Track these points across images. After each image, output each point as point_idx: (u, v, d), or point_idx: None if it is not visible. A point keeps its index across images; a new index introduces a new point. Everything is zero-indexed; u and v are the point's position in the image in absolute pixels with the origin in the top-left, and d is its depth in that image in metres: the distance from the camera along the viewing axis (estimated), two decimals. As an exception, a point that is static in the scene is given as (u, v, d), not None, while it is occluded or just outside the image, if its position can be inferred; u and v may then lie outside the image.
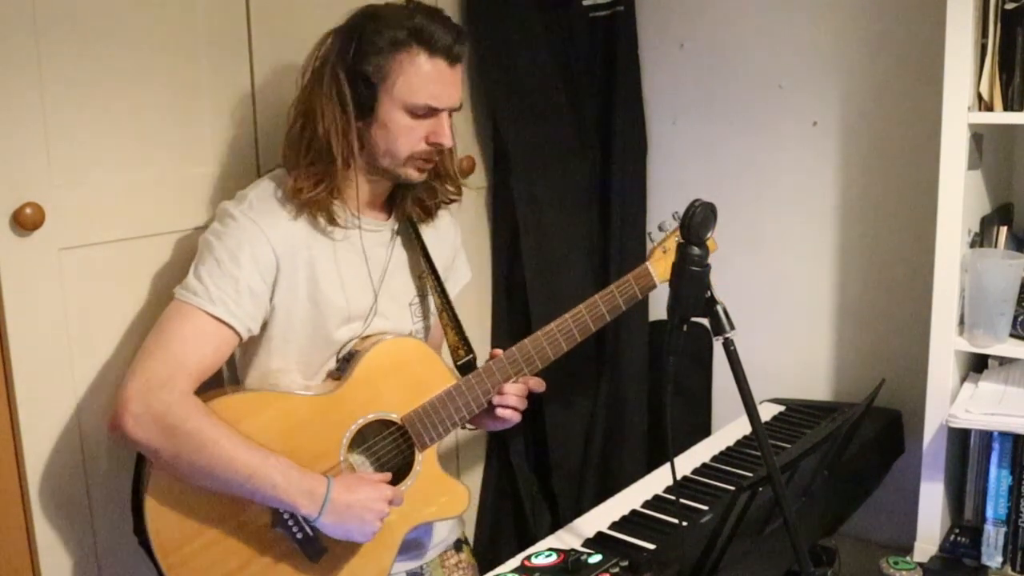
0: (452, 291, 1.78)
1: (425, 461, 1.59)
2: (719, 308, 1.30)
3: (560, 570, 1.38)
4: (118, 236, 1.58)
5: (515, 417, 1.65)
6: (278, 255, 1.50)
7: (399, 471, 1.59)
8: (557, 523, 2.27)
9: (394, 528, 1.57)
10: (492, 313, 2.36)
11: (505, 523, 2.41)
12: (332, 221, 1.54)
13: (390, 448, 1.60)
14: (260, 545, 1.50)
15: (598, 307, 1.68)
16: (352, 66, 1.49)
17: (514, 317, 2.33)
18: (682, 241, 1.29)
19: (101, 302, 1.57)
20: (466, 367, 1.68)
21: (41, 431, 1.51)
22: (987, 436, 1.73)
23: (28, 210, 1.44)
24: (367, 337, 1.61)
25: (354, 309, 1.59)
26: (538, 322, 2.18)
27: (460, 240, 1.82)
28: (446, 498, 1.63)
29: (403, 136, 1.52)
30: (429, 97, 1.49)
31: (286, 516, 1.48)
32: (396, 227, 1.66)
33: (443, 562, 1.78)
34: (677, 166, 2.39)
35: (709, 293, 1.30)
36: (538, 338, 1.65)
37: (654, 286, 1.74)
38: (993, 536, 1.73)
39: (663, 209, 2.41)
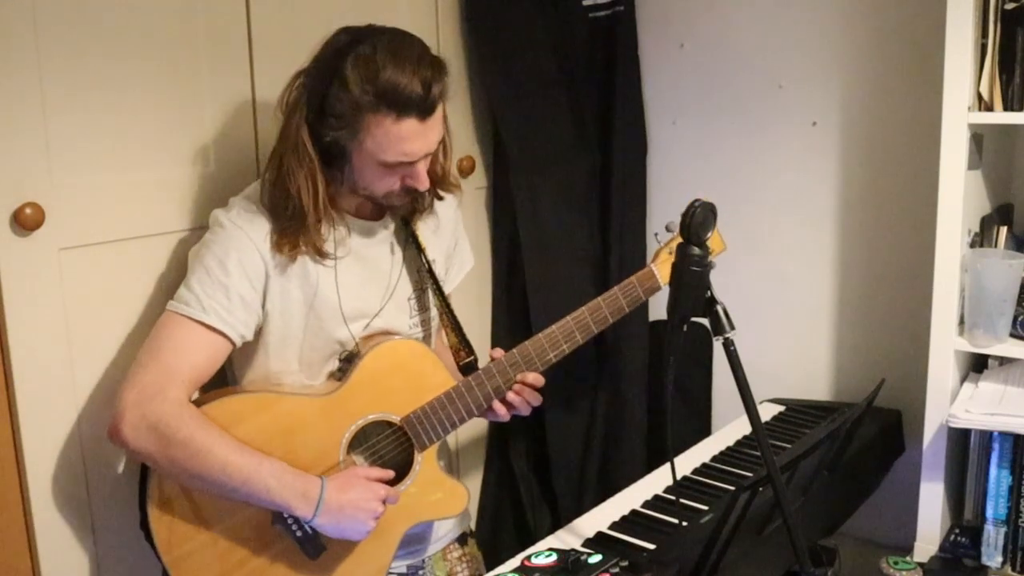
0: (456, 278, 1.80)
1: (424, 461, 1.60)
2: (719, 308, 1.30)
3: (560, 570, 1.38)
4: (118, 236, 1.58)
5: (526, 408, 1.66)
6: (266, 260, 1.50)
7: (399, 471, 1.60)
8: (557, 523, 2.27)
9: (393, 527, 1.58)
10: (492, 313, 2.36)
11: (505, 523, 2.42)
12: (321, 254, 1.53)
13: (390, 448, 1.60)
14: (260, 542, 1.51)
15: (600, 309, 1.68)
16: (317, 127, 1.46)
17: (514, 317, 2.33)
18: (682, 241, 1.29)
19: (101, 302, 1.57)
20: (467, 368, 1.68)
21: (41, 431, 1.51)
22: (987, 436, 1.73)
23: (28, 210, 1.44)
24: (369, 337, 1.62)
25: (353, 309, 1.59)
26: (538, 322, 2.19)
27: (462, 226, 1.81)
28: (445, 498, 1.64)
29: (378, 181, 1.51)
30: (400, 155, 1.46)
31: (285, 515, 1.49)
32: (392, 226, 1.65)
33: (445, 555, 1.79)
34: (677, 166, 2.39)
35: (709, 293, 1.30)
36: (539, 340, 1.65)
37: (659, 288, 1.73)
38: (993, 536, 1.73)
39: (663, 209, 2.41)
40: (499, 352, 1.65)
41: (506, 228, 2.30)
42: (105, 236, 1.57)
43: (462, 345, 1.69)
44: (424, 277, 1.69)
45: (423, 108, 1.44)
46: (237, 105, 1.73)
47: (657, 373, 2.38)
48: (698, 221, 1.26)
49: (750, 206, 2.28)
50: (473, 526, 2.38)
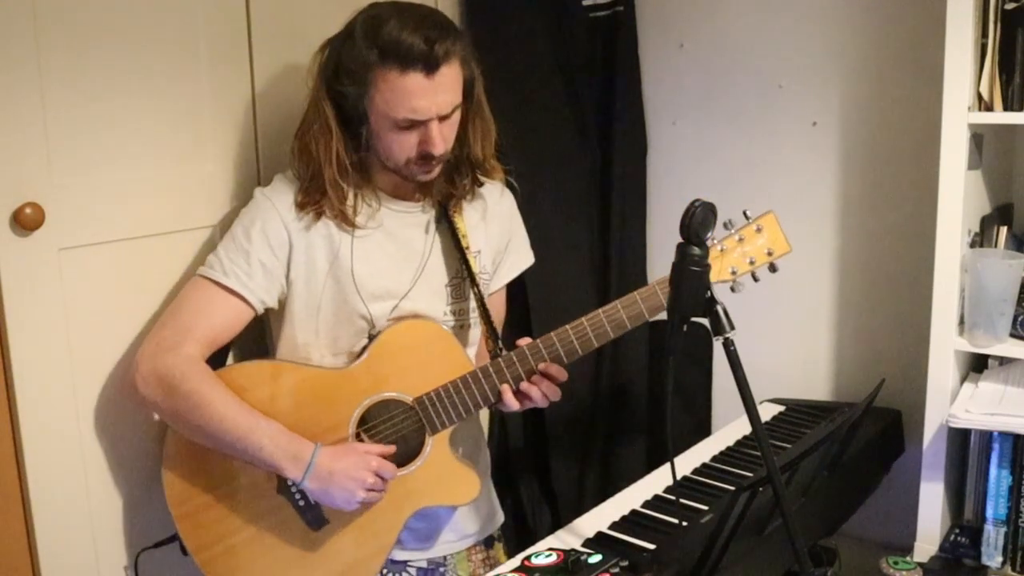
0: (508, 275, 1.80)
1: (436, 445, 1.59)
2: (719, 308, 1.30)
3: (560, 570, 1.38)
4: (118, 236, 1.58)
5: (543, 400, 1.59)
6: (291, 231, 1.55)
7: (412, 452, 1.59)
8: (557, 523, 2.27)
9: (398, 508, 1.58)
10: (492, 313, 2.36)
11: (505, 523, 2.41)
12: (346, 222, 1.57)
13: (402, 429, 1.59)
14: (264, 508, 1.55)
15: (636, 304, 1.59)
16: (335, 89, 1.51)
17: (514, 317, 2.32)
18: (682, 241, 1.29)
19: (101, 302, 1.57)
20: (494, 357, 1.64)
21: (41, 431, 1.51)
22: (987, 436, 1.73)
23: (28, 210, 1.44)
24: (400, 319, 1.62)
25: (378, 287, 1.60)
26: (538, 322, 2.19)
27: (519, 220, 1.81)
28: (455, 485, 1.63)
29: (395, 146, 1.53)
30: (408, 112, 1.49)
31: (290, 483, 1.53)
32: (432, 212, 1.66)
33: (470, 556, 1.79)
34: (677, 166, 2.39)
35: (709, 293, 1.30)
36: (566, 331, 1.58)
37: None
38: (993, 536, 1.73)
39: (663, 209, 2.41)
40: (525, 341, 1.60)
41: (506, 228, 2.30)
42: (105, 236, 1.57)
43: (489, 333, 1.68)
44: (464, 266, 1.68)
45: (428, 62, 1.46)
46: (237, 104, 1.73)
47: (657, 373, 2.38)
48: (698, 221, 1.26)
49: (750, 206, 2.27)
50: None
